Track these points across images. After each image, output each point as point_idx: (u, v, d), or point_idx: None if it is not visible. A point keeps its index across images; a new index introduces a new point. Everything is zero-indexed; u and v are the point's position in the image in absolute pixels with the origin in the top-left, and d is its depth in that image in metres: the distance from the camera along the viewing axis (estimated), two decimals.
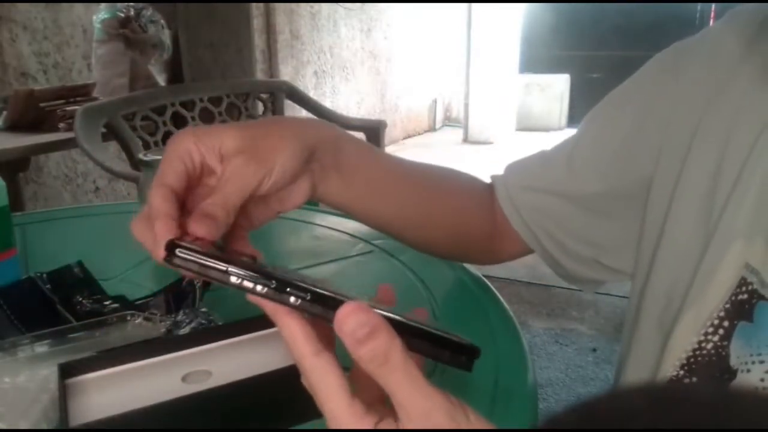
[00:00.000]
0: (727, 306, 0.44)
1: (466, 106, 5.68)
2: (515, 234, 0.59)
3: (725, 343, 0.44)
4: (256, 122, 0.44)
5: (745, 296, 0.43)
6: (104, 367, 0.46)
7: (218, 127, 0.42)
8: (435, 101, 6.24)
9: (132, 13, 2.25)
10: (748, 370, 0.42)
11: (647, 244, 0.53)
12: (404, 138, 5.75)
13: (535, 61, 6.14)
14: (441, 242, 0.60)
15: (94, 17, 2.30)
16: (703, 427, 0.15)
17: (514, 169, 0.61)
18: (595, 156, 0.56)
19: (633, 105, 0.55)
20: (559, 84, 6.05)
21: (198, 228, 0.36)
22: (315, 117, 2.60)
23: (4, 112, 1.98)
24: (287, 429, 0.44)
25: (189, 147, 0.40)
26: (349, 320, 0.28)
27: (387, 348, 0.28)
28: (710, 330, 0.45)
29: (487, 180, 0.64)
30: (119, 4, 2.26)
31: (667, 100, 0.51)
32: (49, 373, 0.45)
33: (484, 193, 0.61)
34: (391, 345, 0.28)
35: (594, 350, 2.15)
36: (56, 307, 0.58)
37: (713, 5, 5.67)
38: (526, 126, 5.99)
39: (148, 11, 2.27)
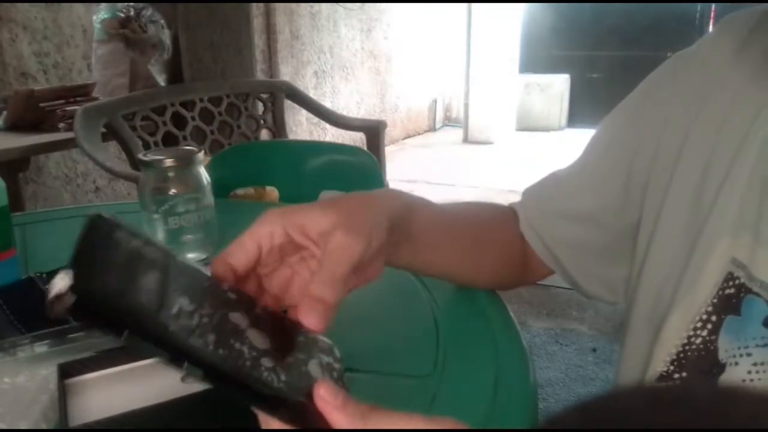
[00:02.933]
0: (715, 301, 0.45)
1: (466, 106, 5.68)
2: (537, 257, 0.61)
3: (713, 337, 0.45)
4: (337, 199, 0.45)
5: (733, 290, 0.44)
6: (104, 368, 0.46)
7: (304, 207, 0.43)
8: (435, 101, 6.24)
9: (132, 13, 2.25)
10: (736, 363, 0.43)
11: (641, 243, 0.54)
12: (404, 138, 5.75)
13: (535, 61, 6.14)
14: (485, 278, 0.63)
15: (94, 17, 2.30)
16: (701, 428, 0.15)
17: (530, 193, 0.63)
18: (600, 172, 0.58)
19: (634, 119, 0.56)
20: (559, 84, 6.05)
21: (309, 319, 0.37)
22: (315, 117, 2.60)
23: (4, 112, 1.98)
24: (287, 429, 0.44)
25: (273, 229, 0.41)
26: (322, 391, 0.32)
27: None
28: (699, 325, 0.46)
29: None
30: (119, 4, 2.26)
31: (665, 109, 0.53)
32: (48, 373, 0.45)
33: (511, 220, 0.63)
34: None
35: (594, 350, 2.15)
36: None
37: (713, 5, 5.66)
38: (526, 126, 5.99)
39: (148, 11, 2.27)
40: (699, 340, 0.46)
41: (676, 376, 0.47)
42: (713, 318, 0.45)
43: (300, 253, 0.43)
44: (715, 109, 0.48)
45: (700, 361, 0.45)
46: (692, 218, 0.48)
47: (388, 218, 0.46)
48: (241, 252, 0.40)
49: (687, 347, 0.46)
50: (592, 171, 0.59)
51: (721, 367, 0.44)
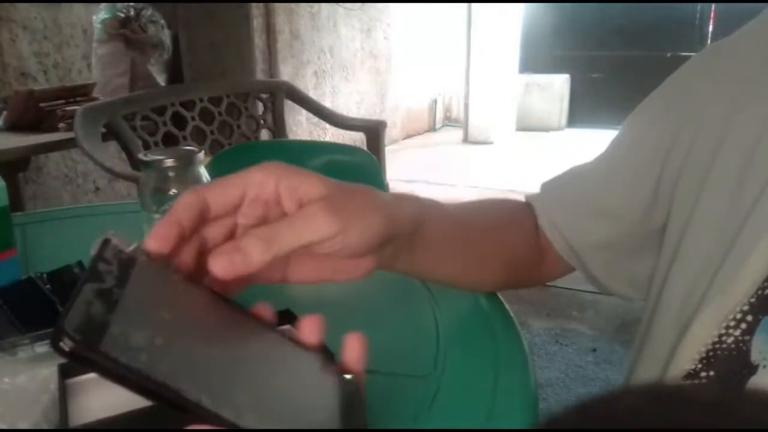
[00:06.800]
0: (753, 300, 0.43)
1: (466, 106, 5.68)
2: (557, 255, 0.59)
3: (747, 337, 0.43)
4: (346, 184, 0.42)
5: None
6: None
7: (304, 170, 0.39)
8: (435, 101, 6.24)
9: (132, 13, 2.25)
10: None
11: (670, 239, 0.52)
12: (404, 138, 5.75)
13: (535, 61, 6.13)
14: (497, 281, 0.61)
15: (94, 17, 2.30)
16: (702, 427, 0.15)
17: (550, 188, 0.61)
18: (629, 169, 0.56)
19: (666, 114, 0.54)
20: (559, 84, 6.04)
21: (215, 264, 0.33)
22: (315, 117, 2.60)
23: (4, 112, 1.98)
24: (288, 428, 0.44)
25: (265, 180, 0.38)
26: None
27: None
28: (732, 324, 0.44)
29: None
30: (119, 4, 2.26)
31: (701, 103, 0.51)
32: (49, 373, 0.45)
33: (526, 217, 0.60)
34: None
35: (594, 350, 2.15)
36: (56, 308, 0.58)
37: (713, 5, 5.66)
38: (526, 126, 5.99)
39: (148, 11, 2.27)
40: (731, 339, 0.44)
41: (704, 374, 0.45)
42: (749, 317, 0.43)
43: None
44: (761, 99, 0.46)
45: (730, 360, 0.44)
46: (731, 215, 0.46)
47: (389, 231, 0.42)
48: (221, 189, 0.37)
49: (717, 346, 0.45)
50: (620, 167, 0.56)
51: (752, 369, 0.43)
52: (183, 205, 0.36)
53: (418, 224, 0.47)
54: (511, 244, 0.59)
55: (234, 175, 0.38)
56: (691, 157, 0.50)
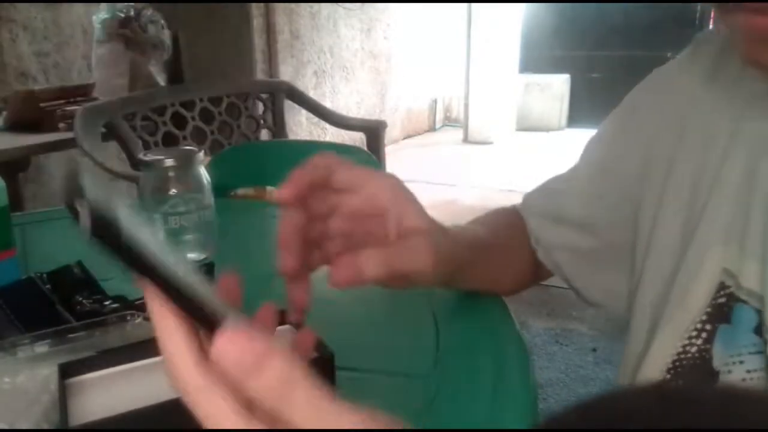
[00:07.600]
0: (709, 310, 0.46)
1: (466, 106, 5.68)
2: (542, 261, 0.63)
3: (708, 346, 0.46)
4: (436, 221, 0.50)
5: (724, 299, 0.45)
6: (104, 367, 0.46)
7: (413, 199, 0.47)
8: (435, 101, 6.24)
9: (132, 13, 2.25)
10: (729, 371, 0.44)
11: (638, 259, 0.54)
12: (404, 138, 5.75)
13: (535, 61, 6.13)
14: (503, 286, 0.65)
15: (94, 17, 2.30)
16: (704, 427, 0.15)
17: (531, 197, 0.64)
18: (592, 184, 0.59)
19: (623, 135, 0.57)
20: (559, 84, 6.04)
21: (337, 274, 0.41)
22: (315, 117, 2.60)
23: (4, 112, 1.98)
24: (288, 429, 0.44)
25: (380, 194, 0.45)
26: (230, 350, 0.23)
27: (284, 377, 0.24)
28: (694, 334, 0.47)
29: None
30: (119, 4, 2.26)
31: (651, 128, 0.53)
32: (49, 373, 0.45)
33: (523, 226, 0.64)
34: (289, 372, 0.24)
35: (594, 350, 2.15)
36: (56, 307, 0.58)
37: (713, 5, 5.65)
38: (526, 126, 5.99)
39: (148, 11, 2.27)
40: (694, 349, 0.47)
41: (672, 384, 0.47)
42: (707, 327, 0.46)
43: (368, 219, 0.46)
44: (697, 125, 0.49)
45: (695, 369, 0.46)
46: (684, 230, 0.49)
47: (457, 268, 0.51)
48: (348, 173, 0.43)
49: (683, 356, 0.47)
50: (584, 181, 0.60)
51: (715, 376, 0.45)
52: (319, 162, 0.44)
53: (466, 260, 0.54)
54: (518, 253, 0.63)
55: (362, 169, 0.45)
56: (648, 179, 0.53)
